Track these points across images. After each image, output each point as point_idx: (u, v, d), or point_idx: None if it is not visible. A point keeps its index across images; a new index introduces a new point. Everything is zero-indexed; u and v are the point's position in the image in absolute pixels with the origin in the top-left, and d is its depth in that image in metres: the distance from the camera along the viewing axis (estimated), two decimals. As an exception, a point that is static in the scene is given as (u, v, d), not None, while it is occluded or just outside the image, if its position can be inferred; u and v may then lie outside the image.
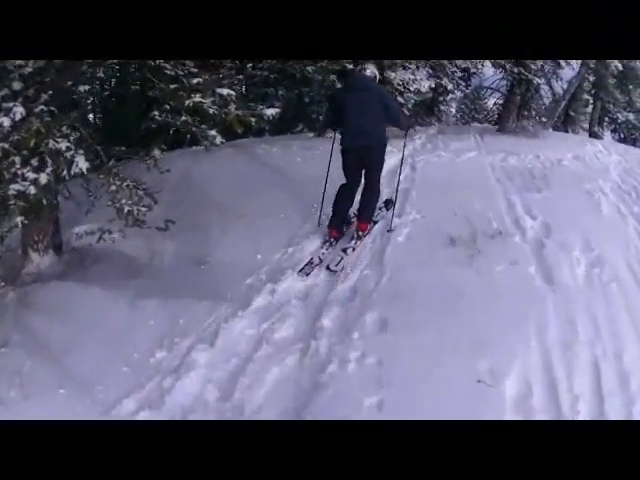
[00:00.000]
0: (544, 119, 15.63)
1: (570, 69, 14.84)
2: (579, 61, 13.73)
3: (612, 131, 23.49)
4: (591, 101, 21.13)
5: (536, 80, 14.09)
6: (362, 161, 5.17)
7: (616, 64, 14.95)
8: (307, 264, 4.76)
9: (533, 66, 13.40)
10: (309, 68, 10.40)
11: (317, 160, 6.85)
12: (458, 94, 19.90)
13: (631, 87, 19.92)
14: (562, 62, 14.00)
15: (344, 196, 5.23)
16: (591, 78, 17.96)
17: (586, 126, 23.96)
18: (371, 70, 5.27)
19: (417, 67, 12.56)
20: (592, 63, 14.31)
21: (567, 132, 19.17)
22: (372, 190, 5.33)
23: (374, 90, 5.19)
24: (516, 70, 13.42)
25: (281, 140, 11.32)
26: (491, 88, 20.96)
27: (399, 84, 12.51)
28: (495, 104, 23.35)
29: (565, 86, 15.90)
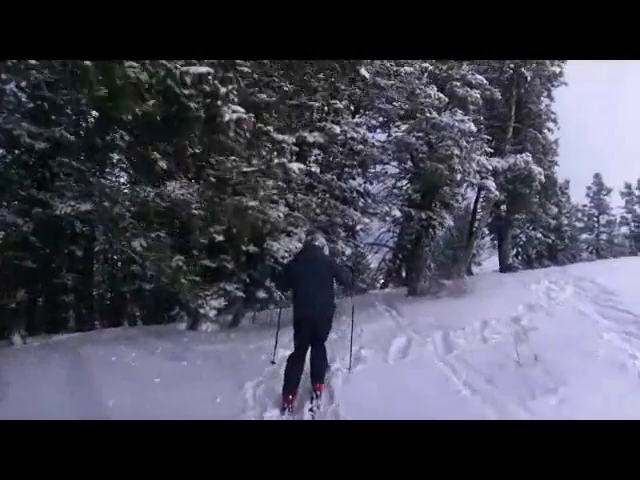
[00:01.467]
0: (456, 267, 13.76)
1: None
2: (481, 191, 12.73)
3: (515, 256, 22.48)
4: (486, 232, 20.10)
5: (446, 221, 12.21)
6: (315, 329, 5.49)
7: (540, 178, 13.73)
8: None
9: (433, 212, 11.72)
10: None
11: (179, 383, 5.81)
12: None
13: (545, 200, 19.38)
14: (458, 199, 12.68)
15: (296, 363, 5.41)
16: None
17: (479, 260, 23.20)
18: (319, 241, 6.38)
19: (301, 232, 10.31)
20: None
21: (471, 273, 17.59)
22: (322, 352, 5.59)
23: (325, 262, 5.88)
24: (424, 216, 11.46)
25: (147, 337, 9.33)
26: (377, 244, 18.88)
27: (283, 257, 10.02)
28: (384, 260, 21.59)
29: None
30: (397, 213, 11.39)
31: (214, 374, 6.15)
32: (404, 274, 20.18)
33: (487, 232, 20.58)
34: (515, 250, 22.40)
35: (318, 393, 5.28)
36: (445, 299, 9.95)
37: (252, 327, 10.44)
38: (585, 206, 29.52)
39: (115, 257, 15.94)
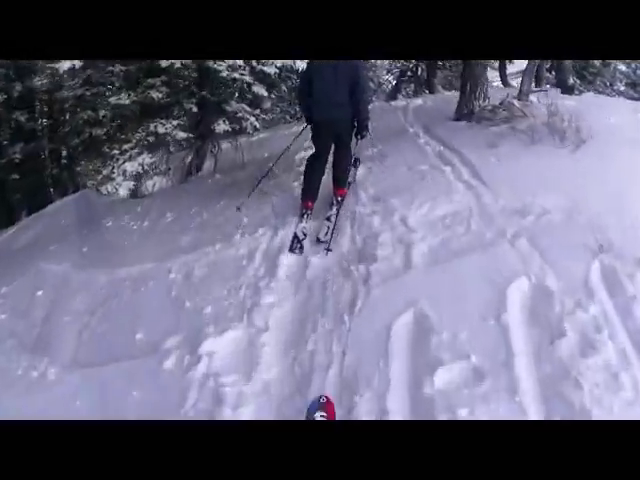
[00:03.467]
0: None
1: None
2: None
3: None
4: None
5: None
6: (334, 131, 5.06)
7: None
8: (293, 241, 4.58)
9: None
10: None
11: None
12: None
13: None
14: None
15: (316, 166, 5.13)
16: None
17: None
18: None
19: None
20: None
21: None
22: (345, 155, 5.19)
23: (347, 63, 4.93)
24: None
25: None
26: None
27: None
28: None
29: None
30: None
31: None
32: (422, 75, 15.54)
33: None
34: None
35: (339, 199, 5.03)
36: (548, 147, 5.27)
37: (212, 184, 6.67)
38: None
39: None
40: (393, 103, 11.04)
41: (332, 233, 4.50)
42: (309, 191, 5.00)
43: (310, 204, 4.95)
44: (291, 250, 4.44)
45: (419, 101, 10.42)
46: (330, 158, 5.20)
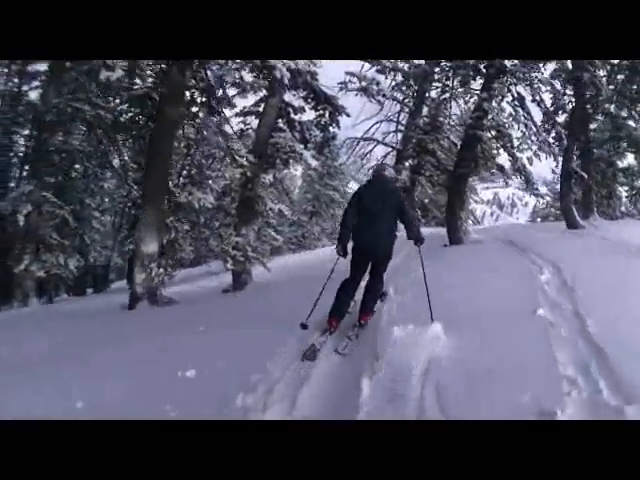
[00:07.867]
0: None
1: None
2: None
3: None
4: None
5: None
6: (372, 258, 5.29)
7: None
8: (309, 350, 4.70)
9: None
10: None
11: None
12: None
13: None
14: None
15: (348, 290, 5.27)
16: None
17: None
18: (389, 171, 5.52)
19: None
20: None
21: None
22: (377, 285, 5.40)
23: (393, 194, 5.31)
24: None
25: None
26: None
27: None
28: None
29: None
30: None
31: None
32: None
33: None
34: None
35: (362, 322, 5.18)
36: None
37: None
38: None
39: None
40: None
41: (350, 348, 4.76)
42: (337, 312, 5.12)
43: (335, 324, 5.09)
44: (304, 358, 4.58)
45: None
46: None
